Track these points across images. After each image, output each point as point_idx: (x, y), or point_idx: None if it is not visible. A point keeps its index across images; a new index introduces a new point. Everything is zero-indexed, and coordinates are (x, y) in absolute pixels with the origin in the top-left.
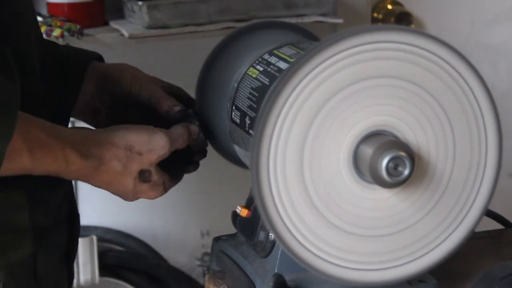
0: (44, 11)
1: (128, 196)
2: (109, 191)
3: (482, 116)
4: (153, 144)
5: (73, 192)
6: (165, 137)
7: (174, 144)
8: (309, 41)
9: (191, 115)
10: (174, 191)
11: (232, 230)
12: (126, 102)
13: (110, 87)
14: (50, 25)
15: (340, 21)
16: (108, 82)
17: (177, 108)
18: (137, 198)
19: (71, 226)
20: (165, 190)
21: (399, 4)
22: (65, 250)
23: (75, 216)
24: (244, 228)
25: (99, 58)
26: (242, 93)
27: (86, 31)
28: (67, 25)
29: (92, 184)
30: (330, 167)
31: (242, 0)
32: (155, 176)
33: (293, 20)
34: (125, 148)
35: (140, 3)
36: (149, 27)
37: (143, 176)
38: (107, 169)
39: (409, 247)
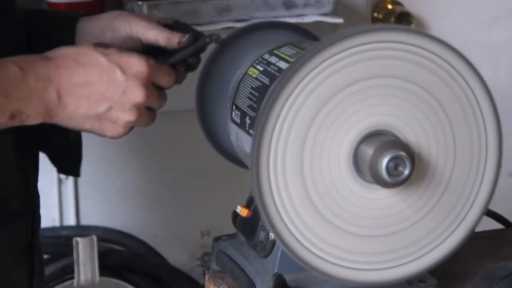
0: None
1: (114, 71)
2: (94, 85)
3: (482, 116)
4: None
5: (27, 184)
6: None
7: None
8: (309, 41)
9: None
10: (174, 191)
11: (232, 230)
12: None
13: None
14: None
15: (340, 21)
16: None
17: (183, 39)
18: (132, 76)
19: (30, 220)
20: (145, 58)
21: (399, 4)
22: (25, 244)
23: (33, 208)
24: (244, 228)
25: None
26: (242, 93)
27: None
28: None
29: (76, 92)
30: (330, 167)
31: (242, 0)
32: (111, 45)
33: (293, 20)
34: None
35: (140, 3)
36: None
37: (99, 45)
38: (59, 57)
39: (409, 247)
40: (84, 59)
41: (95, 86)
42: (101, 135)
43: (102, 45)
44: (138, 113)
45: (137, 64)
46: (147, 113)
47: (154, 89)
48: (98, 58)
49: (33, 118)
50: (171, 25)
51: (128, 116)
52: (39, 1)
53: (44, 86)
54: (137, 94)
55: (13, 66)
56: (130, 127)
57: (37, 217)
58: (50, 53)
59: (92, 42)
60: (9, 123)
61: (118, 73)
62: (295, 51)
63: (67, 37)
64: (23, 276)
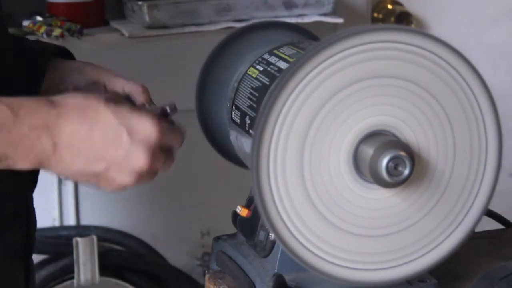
0: (44, 11)
1: (121, 133)
2: (96, 144)
3: (482, 116)
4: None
5: (21, 188)
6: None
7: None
8: (309, 41)
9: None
10: (174, 191)
11: (232, 230)
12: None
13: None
14: (50, 25)
15: (340, 21)
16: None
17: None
18: (139, 141)
19: (23, 223)
20: (156, 120)
21: (399, 4)
22: (21, 247)
23: (28, 212)
24: (244, 228)
25: (66, 53)
26: (242, 93)
27: (86, 31)
28: (67, 25)
29: (75, 147)
30: (330, 167)
31: (242, 0)
32: (123, 103)
33: (293, 20)
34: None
35: (140, 3)
36: (149, 27)
37: (111, 100)
38: (65, 105)
39: (409, 247)
40: (92, 114)
41: (97, 145)
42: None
43: (113, 100)
44: (138, 178)
45: (147, 129)
46: (148, 176)
47: (161, 152)
48: (107, 117)
49: (21, 164)
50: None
51: (125, 179)
52: (39, 1)
53: (38, 135)
54: (140, 161)
55: (4, 109)
56: (129, 187)
57: (32, 221)
58: (56, 98)
59: (103, 94)
60: None
61: (125, 136)
62: (295, 51)
63: (39, 68)
64: (19, 280)
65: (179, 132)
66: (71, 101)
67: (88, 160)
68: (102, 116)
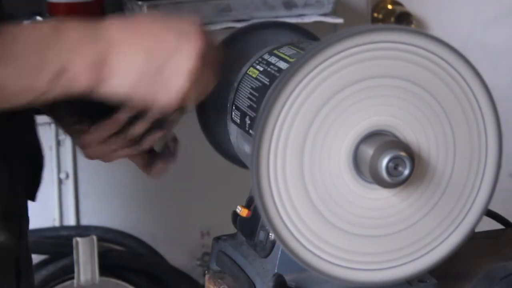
0: (44, 11)
1: (172, 35)
2: (150, 46)
3: (482, 116)
4: None
5: (12, 187)
6: None
7: None
8: (309, 41)
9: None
10: (174, 191)
11: (232, 230)
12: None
13: None
14: None
15: (340, 21)
16: None
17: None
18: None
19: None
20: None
21: (399, 4)
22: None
23: (20, 212)
24: (244, 228)
25: None
26: (242, 93)
27: None
28: None
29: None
30: (330, 167)
31: (242, 0)
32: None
33: (293, 20)
34: None
35: (140, 3)
36: None
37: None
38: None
39: (409, 247)
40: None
41: (152, 37)
42: (152, 103)
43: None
44: (192, 78)
45: (196, 34)
46: (199, 80)
47: (207, 61)
48: (156, 21)
49: (79, 76)
50: None
51: (181, 78)
52: (39, 1)
53: (92, 36)
54: (191, 59)
55: (52, 25)
56: (184, 94)
57: (23, 221)
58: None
59: None
60: (51, 87)
61: (174, 34)
62: (295, 51)
63: None
64: (10, 282)
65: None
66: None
67: (146, 53)
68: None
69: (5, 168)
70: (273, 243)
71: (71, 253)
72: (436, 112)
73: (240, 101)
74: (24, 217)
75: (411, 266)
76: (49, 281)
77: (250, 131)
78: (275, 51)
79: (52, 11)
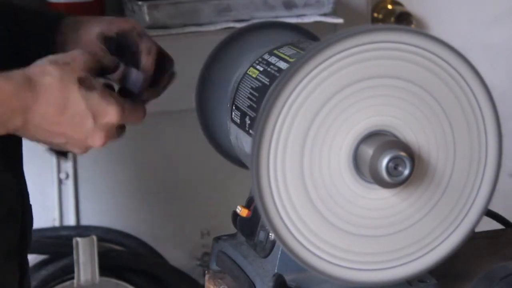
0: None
1: (86, 119)
2: (63, 126)
3: (482, 116)
4: (73, 54)
5: (16, 186)
6: (78, 49)
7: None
8: (309, 41)
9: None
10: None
11: (232, 230)
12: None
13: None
14: None
15: (340, 21)
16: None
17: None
18: (100, 126)
19: (19, 222)
20: (121, 107)
21: (399, 4)
22: (16, 246)
23: (23, 210)
24: (244, 228)
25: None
26: (242, 93)
27: None
28: None
29: (42, 127)
30: (330, 167)
31: (242, 0)
32: (96, 82)
33: (293, 20)
34: (50, 63)
35: (140, 3)
36: (149, 27)
37: (84, 83)
38: (43, 87)
39: (409, 247)
40: (64, 96)
41: (62, 126)
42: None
43: (87, 82)
44: (88, 150)
45: (112, 115)
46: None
47: (116, 131)
48: (77, 103)
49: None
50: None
51: (79, 152)
52: (39, 1)
53: (14, 115)
54: (97, 141)
55: None
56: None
57: (27, 220)
58: (35, 76)
59: (79, 73)
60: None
61: (90, 122)
62: (295, 51)
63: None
64: (13, 280)
65: (141, 111)
66: (48, 81)
67: (50, 135)
68: (72, 101)
69: (8, 167)
70: (273, 243)
71: (71, 253)
72: (436, 112)
73: (240, 101)
74: (27, 216)
75: (411, 266)
76: (49, 281)
77: (250, 131)
78: (275, 51)
79: None
